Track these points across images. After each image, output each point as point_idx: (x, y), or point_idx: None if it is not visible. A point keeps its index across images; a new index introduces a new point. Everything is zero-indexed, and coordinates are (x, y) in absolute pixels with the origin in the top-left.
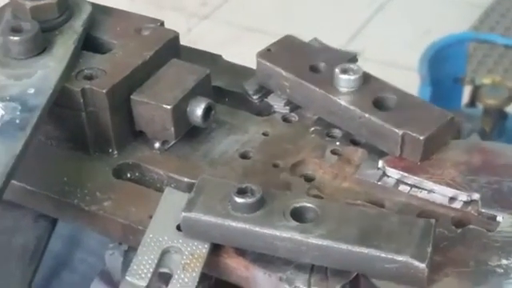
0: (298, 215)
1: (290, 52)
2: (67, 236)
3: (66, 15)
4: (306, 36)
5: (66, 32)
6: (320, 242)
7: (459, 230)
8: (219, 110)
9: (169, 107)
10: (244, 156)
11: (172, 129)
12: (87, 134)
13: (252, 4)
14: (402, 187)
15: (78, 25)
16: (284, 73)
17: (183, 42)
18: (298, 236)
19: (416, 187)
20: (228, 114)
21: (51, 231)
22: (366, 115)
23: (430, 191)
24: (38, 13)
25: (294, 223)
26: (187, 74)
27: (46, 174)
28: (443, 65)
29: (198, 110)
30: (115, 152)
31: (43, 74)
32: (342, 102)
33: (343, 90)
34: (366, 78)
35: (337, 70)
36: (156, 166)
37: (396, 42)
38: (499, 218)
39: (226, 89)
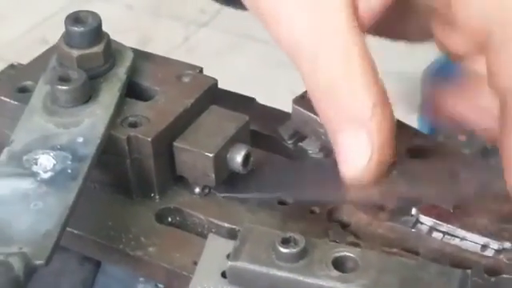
0: (339, 264)
1: None
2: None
3: (110, 63)
4: None
5: (111, 80)
6: None
7: (493, 279)
8: (256, 155)
9: (211, 155)
10: (281, 202)
11: (213, 175)
12: (131, 179)
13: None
14: (435, 234)
15: (121, 72)
16: (319, 119)
17: (181, 50)
18: (340, 286)
19: (449, 234)
20: (263, 158)
21: (96, 273)
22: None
23: (462, 239)
24: (84, 61)
25: (335, 273)
26: (227, 121)
27: (91, 218)
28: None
29: (237, 157)
30: (157, 197)
31: (91, 123)
32: None
33: None
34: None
35: None
36: (197, 211)
37: None
38: None
39: (261, 132)
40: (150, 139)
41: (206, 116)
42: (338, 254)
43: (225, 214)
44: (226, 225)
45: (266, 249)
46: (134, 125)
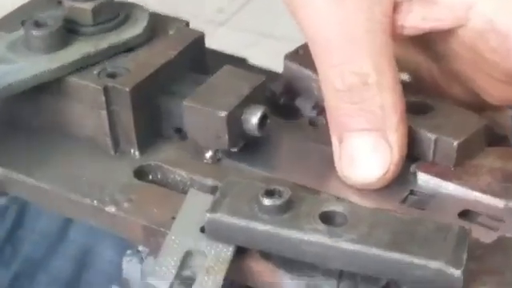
0: (327, 219)
1: None
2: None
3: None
4: None
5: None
6: (350, 246)
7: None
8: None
9: (224, 114)
10: None
11: (226, 136)
12: (108, 133)
13: (270, 10)
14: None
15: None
16: (313, 75)
17: None
18: (326, 240)
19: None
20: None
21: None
22: None
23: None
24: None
25: (322, 227)
26: (242, 80)
27: (65, 173)
28: None
29: (253, 118)
30: (137, 153)
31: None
32: None
33: None
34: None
35: None
36: (178, 168)
37: None
38: None
39: None
40: (128, 89)
41: (220, 75)
42: (326, 208)
43: (210, 172)
44: (210, 183)
45: (248, 201)
46: (112, 75)
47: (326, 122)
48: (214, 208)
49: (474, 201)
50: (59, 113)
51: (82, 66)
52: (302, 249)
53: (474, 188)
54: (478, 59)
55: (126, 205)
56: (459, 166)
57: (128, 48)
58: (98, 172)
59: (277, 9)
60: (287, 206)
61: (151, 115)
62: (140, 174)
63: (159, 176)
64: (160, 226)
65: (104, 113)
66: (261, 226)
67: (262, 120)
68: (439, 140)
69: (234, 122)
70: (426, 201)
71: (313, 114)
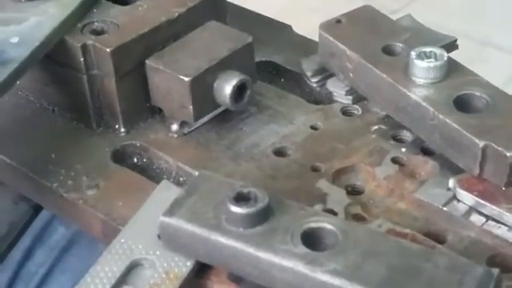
0: (310, 239)
1: (363, 26)
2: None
3: None
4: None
5: None
6: (330, 279)
7: None
8: (267, 92)
9: (187, 79)
10: (279, 153)
11: (190, 107)
12: (89, 103)
13: None
14: (474, 217)
15: None
16: (348, 51)
17: None
18: (302, 267)
19: (494, 220)
20: (276, 97)
21: (32, 218)
22: (441, 116)
23: (511, 228)
24: None
25: (301, 249)
26: (223, 40)
27: (33, 148)
28: None
29: (226, 86)
30: (122, 129)
31: (36, 22)
32: (413, 96)
33: (419, 80)
34: (453, 68)
35: (413, 54)
36: (166, 153)
37: None
38: None
39: (283, 66)
40: (109, 50)
41: (199, 32)
42: (313, 225)
43: (199, 160)
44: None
45: (216, 205)
46: (97, 32)
47: (362, 113)
48: (171, 210)
49: None
50: (41, 79)
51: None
52: (271, 274)
53: None
54: None
55: (89, 192)
56: None
57: None
58: (71, 149)
59: None
60: (262, 216)
61: (140, 84)
62: (120, 155)
63: (145, 160)
64: (119, 224)
65: (84, 78)
66: (224, 240)
67: (240, 91)
68: (489, 148)
69: (202, 89)
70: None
71: (347, 100)
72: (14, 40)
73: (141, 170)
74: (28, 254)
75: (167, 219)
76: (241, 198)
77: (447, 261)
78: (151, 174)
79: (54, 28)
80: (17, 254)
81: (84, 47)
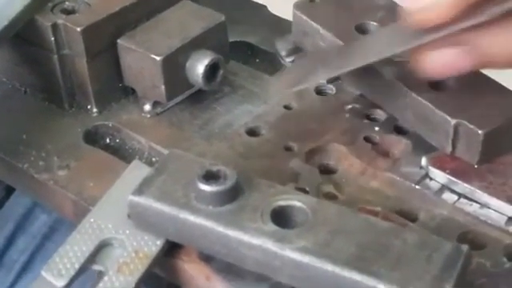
0: (280, 217)
1: (337, 5)
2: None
3: None
4: None
5: None
6: (299, 256)
7: (508, 265)
8: (241, 72)
9: (158, 58)
10: (252, 132)
11: (162, 87)
12: (60, 83)
13: None
14: (446, 195)
15: None
16: (321, 30)
17: None
18: (271, 245)
19: (466, 198)
20: (250, 77)
21: (4, 200)
22: (413, 94)
23: (483, 205)
24: None
25: (271, 227)
26: (196, 19)
27: (4, 129)
28: None
29: (199, 66)
30: (94, 110)
31: (5, 1)
32: (386, 74)
33: (392, 58)
34: None
35: None
36: (139, 133)
37: None
38: None
39: (257, 46)
40: (79, 29)
41: (172, 12)
42: (282, 203)
43: (172, 140)
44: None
45: (186, 184)
46: (68, 11)
47: (336, 93)
48: (140, 189)
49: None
50: (12, 59)
51: None
52: (241, 253)
53: (497, 195)
54: None
55: (60, 173)
56: (485, 164)
57: None
58: (42, 130)
59: None
60: (232, 194)
61: (112, 64)
62: (93, 135)
63: (117, 140)
64: (90, 204)
65: (55, 58)
66: (192, 218)
67: (212, 70)
68: (461, 126)
69: (174, 68)
70: None
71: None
72: None
73: (113, 150)
74: (10, 242)
75: (136, 198)
76: (210, 176)
77: (416, 238)
78: (124, 154)
79: (24, 6)
80: None
81: (54, 26)
